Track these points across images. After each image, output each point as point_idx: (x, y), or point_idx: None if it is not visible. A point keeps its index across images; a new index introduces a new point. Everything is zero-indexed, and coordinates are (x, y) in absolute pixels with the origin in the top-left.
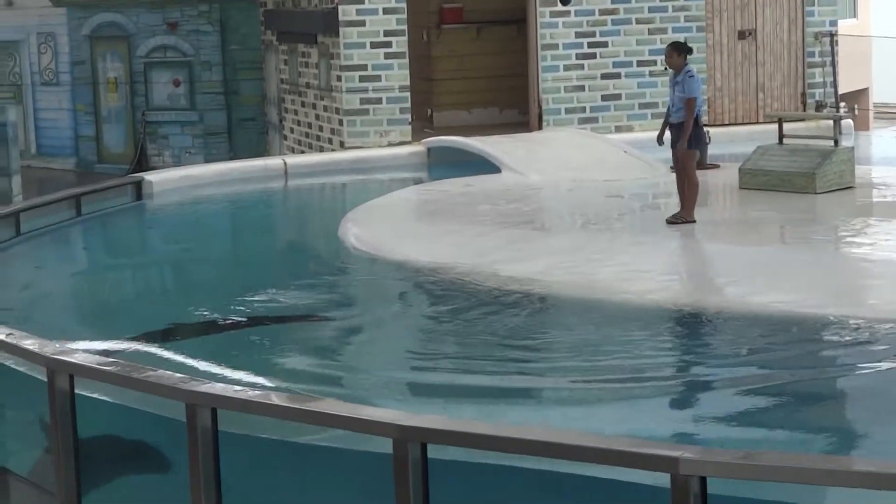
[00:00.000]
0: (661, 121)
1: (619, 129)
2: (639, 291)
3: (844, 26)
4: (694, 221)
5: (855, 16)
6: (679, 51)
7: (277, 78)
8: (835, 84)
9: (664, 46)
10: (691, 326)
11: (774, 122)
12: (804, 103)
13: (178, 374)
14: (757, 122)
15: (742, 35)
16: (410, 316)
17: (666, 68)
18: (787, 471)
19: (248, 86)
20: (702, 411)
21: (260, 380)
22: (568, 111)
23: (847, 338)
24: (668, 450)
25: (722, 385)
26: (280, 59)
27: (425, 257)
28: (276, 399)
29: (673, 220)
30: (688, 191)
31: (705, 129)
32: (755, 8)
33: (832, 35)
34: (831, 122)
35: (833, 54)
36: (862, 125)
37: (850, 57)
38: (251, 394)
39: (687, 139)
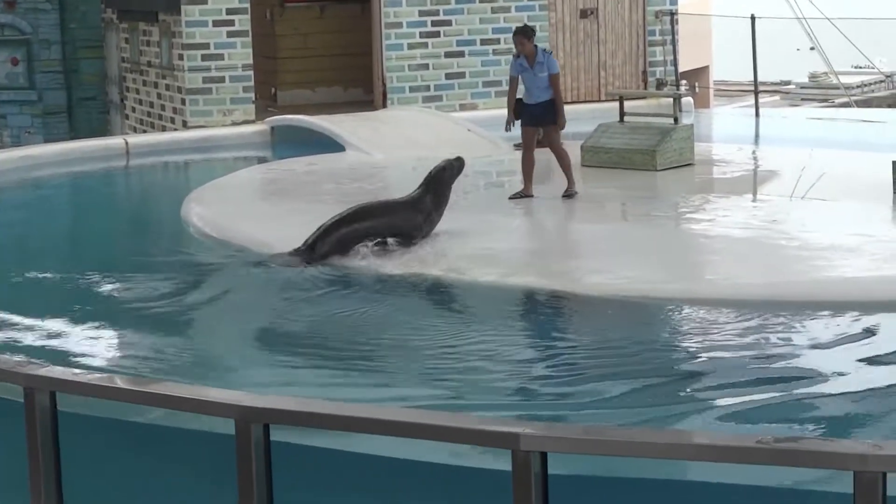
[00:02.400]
0: (504, 98)
1: (463, 108)
2: (481, 270)
3: (685, 5)
4: (575, 193)
5: None
6: (528, 36)
7: (118, 56)
8: (675, 62)
9: (508, 25)
10: (528, 305)
11: (616, 100)
12: (645, 81)
13: (16, 358)
14: (599, 100)
15: (584, 14)
16: (253, 297)
17: (517, 55)
18: (628, 445)
19: (89, 65)
20: (535, 390)
21: (100, 363)
22: (412, 89)
23: (683, 315)
24: (509, 426)
25: (558, 365)
26: (121, 37)
27: (269, 237)
28: (117, 382)
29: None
30: (563, 163)
31: None
32: None
33: (672, 14)
34: (671, 99)
35: (673, 33)
36: (702, 103)
37: (691, 35)
38: (91, 377)
39: (563, 115)
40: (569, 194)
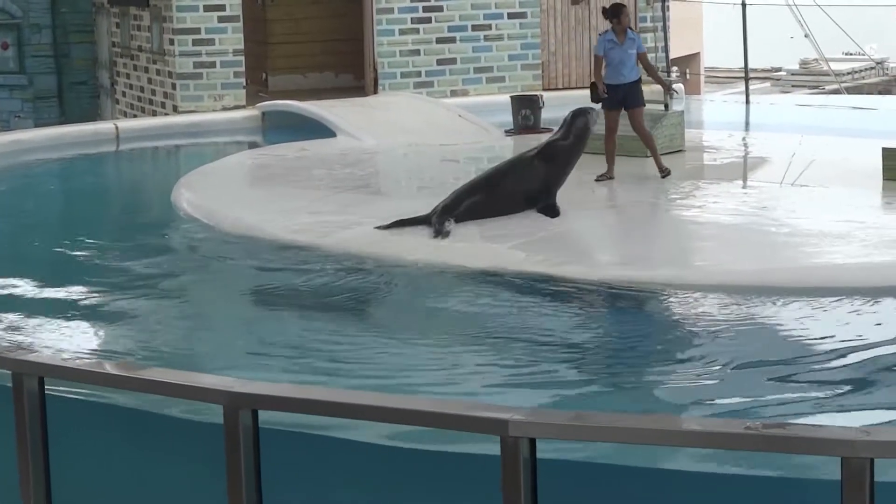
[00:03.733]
0: (496, 84)
1: (454, 94)
2: (474, 256)
3: None
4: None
5: None
6: (616, 14)
7: (109, 41)
8: (666, 49)
9: (499, 11)
10: (518, 291)
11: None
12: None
13: (5, 343)
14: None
15: (576, 0)
16: (243, 282)
17: (604, 32)
18: (617, 431)
19: (79, 49)
20: (522, 376)
21: (88, 348)
22: (403, 75)
23: (672, 301)
24: (498, 412)
25: (546, 351)
26: (112, 21)
27: (259, 223)
28: (105, 367)
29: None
30: (650, 146)
31: (539, 94)
32: None
33: (664, 0)
34: (662, 87)
35: (664, 19)
36: (693, 89)
37: (682, 22)
38: (79, 362)
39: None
40: (665, 174)
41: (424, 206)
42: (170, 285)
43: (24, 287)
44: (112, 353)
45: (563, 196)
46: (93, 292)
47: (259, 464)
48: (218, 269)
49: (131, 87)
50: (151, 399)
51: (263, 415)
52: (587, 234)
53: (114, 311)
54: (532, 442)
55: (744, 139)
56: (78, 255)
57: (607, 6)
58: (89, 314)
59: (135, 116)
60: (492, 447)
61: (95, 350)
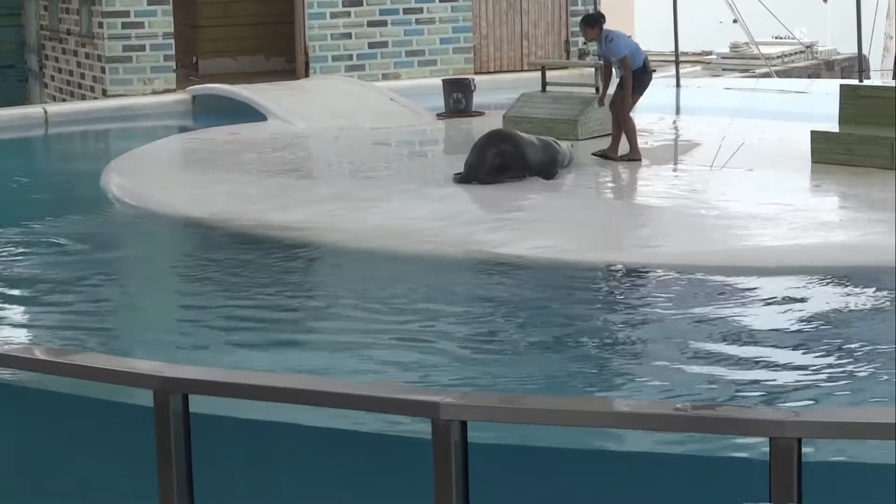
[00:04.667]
0: (427, 68)
1: (385, 77)
2: (406, 239)
3: None
4: (639, 159)
5: None
6: (590, 24)
7: (37, 24)
8: None
9: None
10: (453, 272)
11: (538, 69)
12: (567, 51)
13: None
14: (521, 70)
15: None
16: (172, 266)
17: (585, 42)
18: (548, 413)
19: (7, 32)
20: (454, 359)
21: (14, 332)
22: (335, 59)
23: (602, 282)
24: (429, 395)
25: (476, 333)
26: (40, 4)
27: (190, 207)
28: (35, 353)
29: (607, 156)
30: (628, 134)
31: (471, 77)
32: None
33: None
34: (593, 69)
35: (595, 3)
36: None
37: (613, 5)
38: (6, 347)
39: (629, 94)
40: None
41: (355, 190)
42: (98, 269)
43: None
44: (41, 338)
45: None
46: (21, 277)
47: (190, 449)
48: (147, 253)
49: (60, 70)
50: (81, 384)
51: (194, 399)
52: (521, 216)
53: (42, 296)
54: (463, 425)
55: (674, 122)
56: (5, 239)
57: (592, 14)
58: (17, 298)
59: (64, 100)
60: (425, 429)
61: (24, 335)
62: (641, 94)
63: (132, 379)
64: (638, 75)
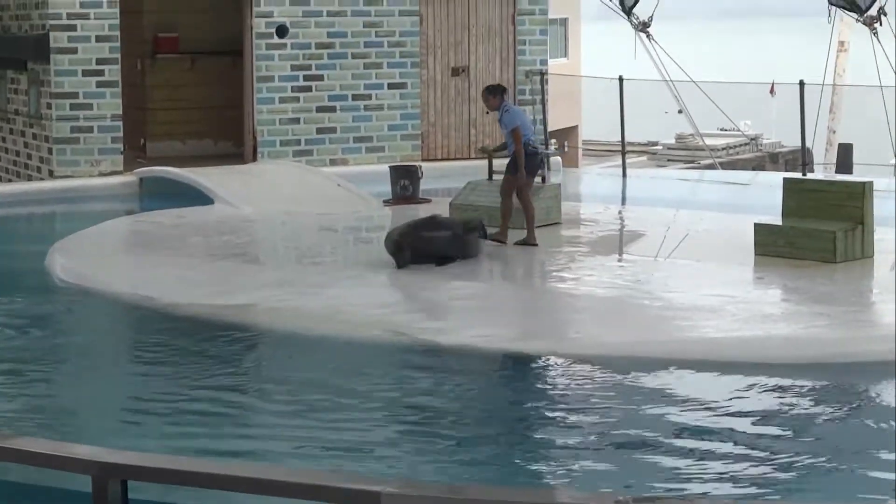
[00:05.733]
0: (375, 154)
1: (333, 163)
2: (347, 324)
3: (555, 66)
4: (536, 245)
5: (566, 55)
6: (492, 92)
7: None
8: (545, 121)
9: (380, 81)
10: (390, 359)
11: (485, 157)
12: None
13: None
14: (469, 158)
15: (455, 72)
16: (117, 350)
17: (487, 112)
18: None
19: None
20: (395, 447)
21: None
22: (283, 143)
23: (545, 371)
24: (370, 484)
25: (417, 422)
26: None
27: (134, 289)
28: None
29: (495, 240)
30: (527, 214)
31: (418, 164)
32: (468, 45)
33: (543, 73)
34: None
35: (543, 92)
36: (571, 162)
37: (561, 95)
38: None
39: (522, 165)
40: (528, 243)
41: (300, 275)
42: (41, 351)
43: None
44: None
45: (439, 268)
46: None
47: None
48: (90, 335)
49: (7, 150)
50: (18, 469)
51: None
52: (464, 304)
53: None
54: None
55: (620, 212)
56: None
57: (496, 85)
58: None
59: (10, 181)
60: None
61: None
62: (532, 174)
63: (70, 464)
64: (528, 155)
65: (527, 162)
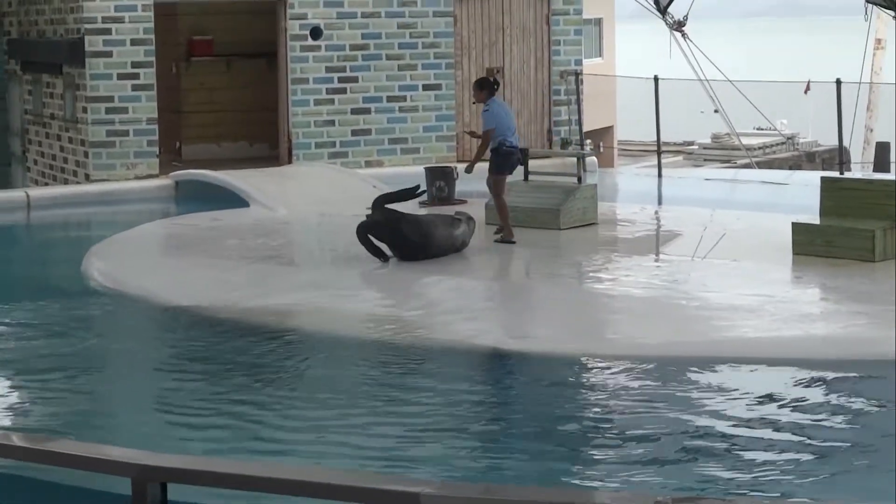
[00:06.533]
0: (410, 156)
1: (368, 164)
2: (385, 327)
3: (590, 66)
4: (514, 242)
5: (601, 55)
6: (481, 86)
7: (21, 108)
8: (580, 122)
9: (414, 83)
10: (431, 361)
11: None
12: (550, 140)
13: None
14: None
15: (490, 73)
16: (154, 353)
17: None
18: None
19: None
20: (437, 448)
21: None
22: (318, 145)
23: (584, 373)
24: (409, 485)
25: (461, 422)
26: (24, 89)
27: (170, 293)
28: (13, 439)
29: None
30: (499, 213)
31: (454, 166)
32: (503, 46)
33: (577, 74)
34: (576, 159)
35: (578, 93)
36: (606, 162)
37: (596, 96)
38: None
39: (479, 156)
40: (501, 240)
41: (336, 277)
42: (79, 355)
43: None
44: (18, 425)
45: (478, 268)
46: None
47: None
48: (128, 340)
49: (43, 154)
50: (58, 471)
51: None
52: (502, 306)
53: (21, 383)
54: None
55: (656, 212)
56: None
57: (485, 79)
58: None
59: (46, 184)
60: None
61: (3, 422)
62: (507, 172)
63: (110, 467)
64: (502, 154)
65: (502, 160)
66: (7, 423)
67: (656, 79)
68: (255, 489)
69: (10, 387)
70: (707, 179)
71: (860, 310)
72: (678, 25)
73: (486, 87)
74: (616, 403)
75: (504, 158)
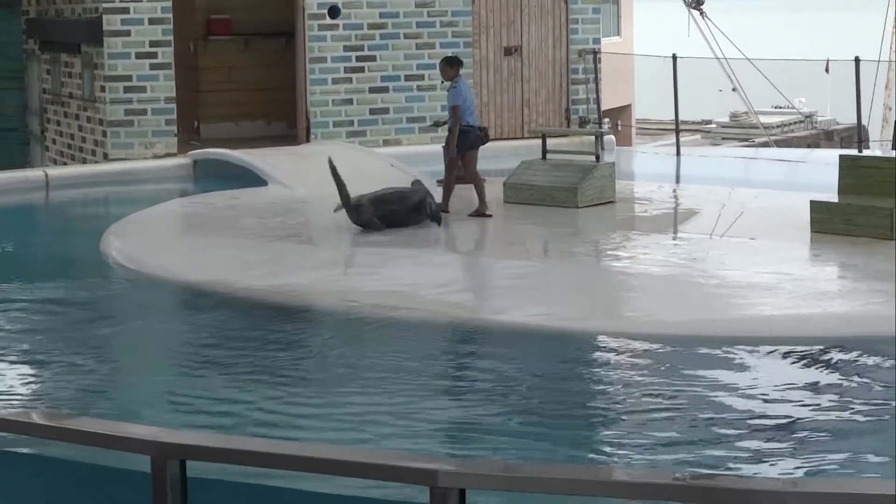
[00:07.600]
0: (428, 135)
1: (386, 143)
2: (405, 305)
3: (608, 44)
4: (490, 215)
5: (619, 34)
6: (450, 63)
7: (39, 88)
8: (598, 100)
9: (432, 61)
10: (452, 339)
11: (538, 137)
12: (568, 119)
13: None
14: (522, 138)
15: (508, 51)
16: (172, 331)
17: (442, 81)
18: (546, 482)
19: (9, 96)
20: (454, 425)
21: (14, 398)
22: (336, 124)
23: (601, 351)
24: (427, 462)
25: (478, 400)
26: (42, 68)
27: (189, 271)
28: (32, 417)
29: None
30: (476, 187)
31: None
32: (521, 25)
33: (595, 52)
34: (594, 137)
35: (596, 71)
36: (624, 141)
37: (614, 74)
38: (5, 412)
39: (454, 143)
40: (481, 214)
41: (355, 256)
42: (98, 334)
43: None
44: (38, 403)
45: (495, 247)
46: (19, 341)
47: None
48: (146, 318)
49: (61, 134)
50: (78, 449)
51: (192, 465)
52: (521, 283)
53: (41, 361)
54: (462, 493)
55: (674, 191)
56: (4, 304)
57: (454, 57)
58: (16, 363)
59: (65, 164)
60: (424, 497)
61: (21, 400)
62: (471, 149)
63: (130, 444)
64: (464, 132)
65: (461, 139)
66: (26, 400)
67: (674, 57)
68: (273, 466)
69: (29, 366)
70: (725, 158)
71: (878, 287)
72: (696, 3)
73: (457, 64)
74: (633, 381)
75: (463, 136)
